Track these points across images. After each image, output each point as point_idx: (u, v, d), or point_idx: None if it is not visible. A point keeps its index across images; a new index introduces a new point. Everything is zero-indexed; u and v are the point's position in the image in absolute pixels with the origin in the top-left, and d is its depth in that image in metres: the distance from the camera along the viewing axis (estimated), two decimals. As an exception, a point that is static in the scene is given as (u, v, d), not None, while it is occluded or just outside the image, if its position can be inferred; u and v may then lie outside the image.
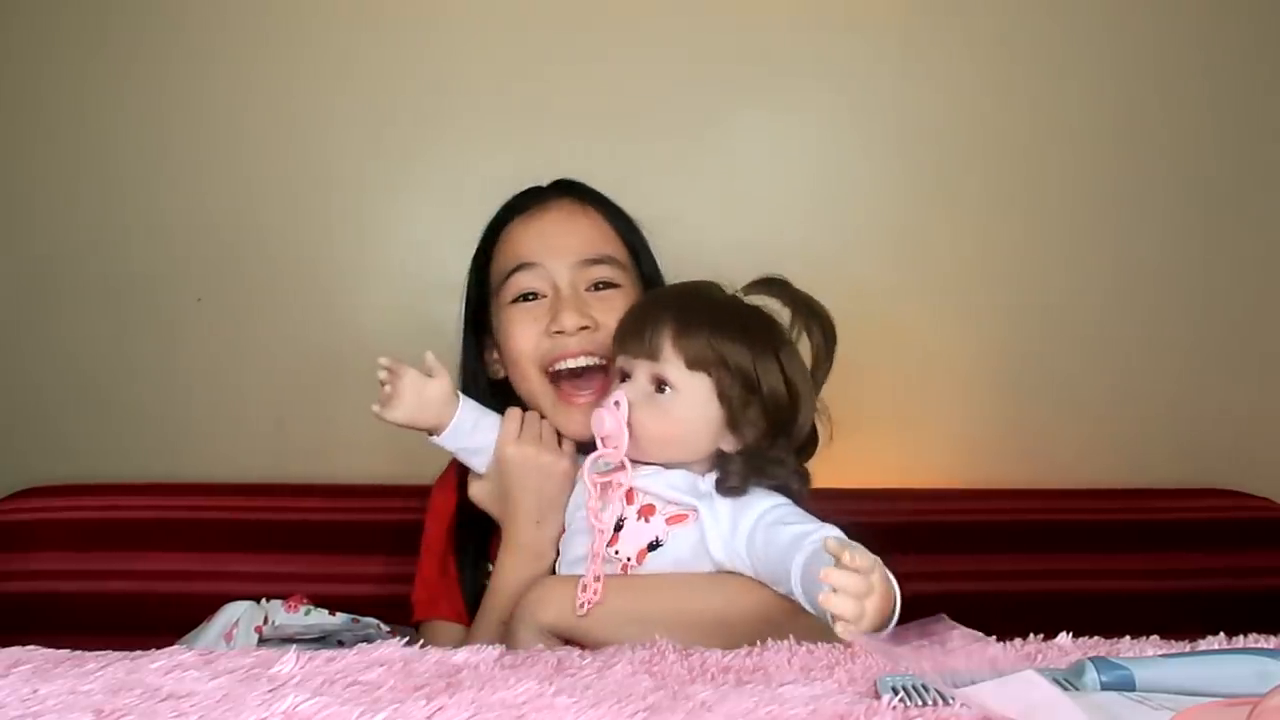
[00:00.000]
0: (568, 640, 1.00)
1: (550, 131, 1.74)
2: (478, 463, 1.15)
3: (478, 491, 1.17)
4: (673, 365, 1.03)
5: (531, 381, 1.17)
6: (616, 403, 1.02)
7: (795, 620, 0.92)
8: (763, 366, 1.02)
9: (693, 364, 1.02)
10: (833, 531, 0.95)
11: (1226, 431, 1.83)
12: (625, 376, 1.06)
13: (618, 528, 1.03)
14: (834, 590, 0.80)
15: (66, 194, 1.77)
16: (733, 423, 1.03)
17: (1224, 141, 1.82)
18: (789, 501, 1.03)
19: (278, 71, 1.78)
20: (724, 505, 1.02)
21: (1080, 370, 1.83)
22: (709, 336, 1.02)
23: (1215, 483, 1.75)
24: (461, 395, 1.13)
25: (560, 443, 1.15)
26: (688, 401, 1.03)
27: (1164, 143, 1.82)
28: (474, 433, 1.13)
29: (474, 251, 1.26)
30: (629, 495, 1.04)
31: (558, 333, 1.14)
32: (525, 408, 1.17)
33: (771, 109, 1.82)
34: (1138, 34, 1.81)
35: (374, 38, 1.77)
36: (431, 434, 1.13)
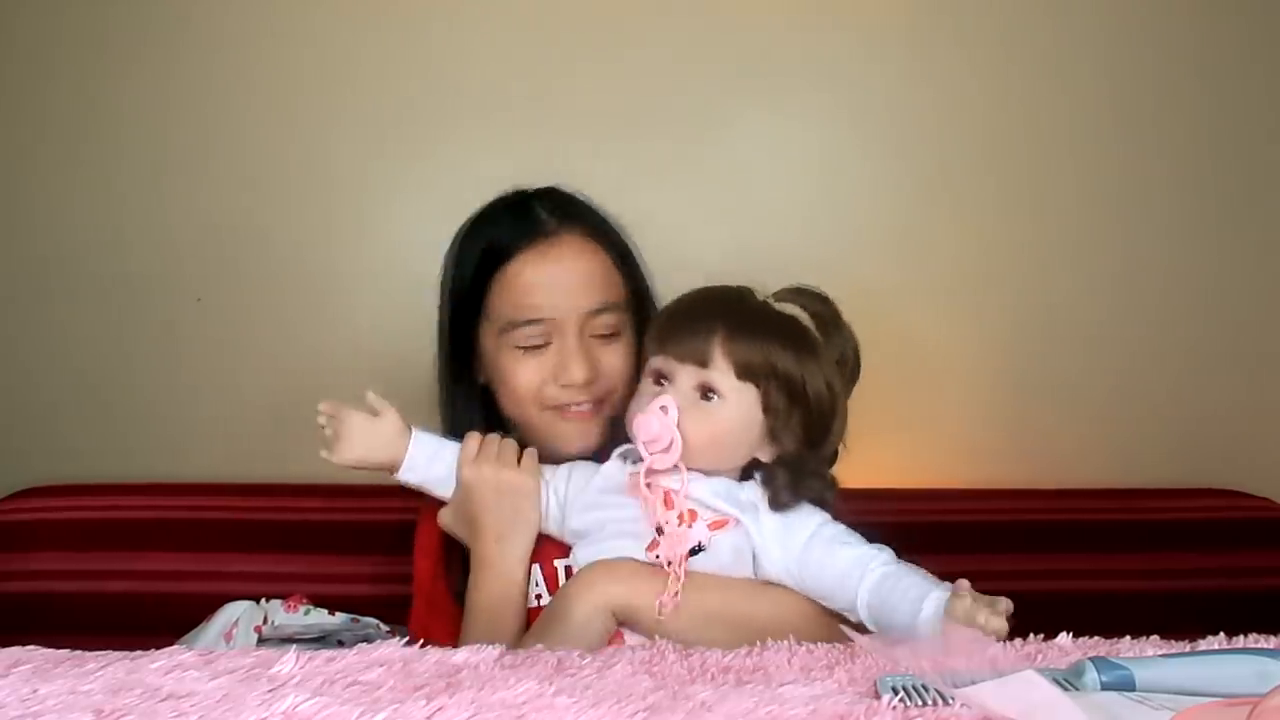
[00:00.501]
0: (622, 622, 1.00)
1: (550, 132, 1.74)
2: (444, 493, 1.14)
3: (444, 517, 1.15)
4: (721, 373, 1.02)
5: (528, 413, 1.18)
6: (664, 407, 1.00)
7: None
8: (809, 377, 1.02)
9: (742, 373, 1.01)
10: (885, 554, 0.99)
11: (1226, 431, 1.83)
12: (661, 378, 1.05)
13: (659, 532, 1.02)
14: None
15: (66, 194, 1.77)
16: (774, 433, 1.03)
17: (1225, 143, 1.82)
18: (830, 518, 1.04)
19: (278, 71, 1.77)
20: (770, 520, 1.02)
21: (1081, 370, 1.82)
22: (761, 346, 1.01)
23: (1215, 483, 1.75)
24: (414, 428, 1.12)
25: (520, 459, 1.13)
26: (734, 410, 1.02)
27: (1165, 143, 1.82)
28: (432, 463, 1.12)
29: (457, 254, 1.23)
30: (668, 500, 1.02)
31: (567, 385, 1.15)
32: (505, 424, 1.18)
33: (772, 110, 1.82)
34: (1140, 33, 1.81)
35: (375, 38, 1.77)
36: (391, 472, 1.12)
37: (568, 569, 1.13)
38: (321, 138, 1.77)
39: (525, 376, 1.16)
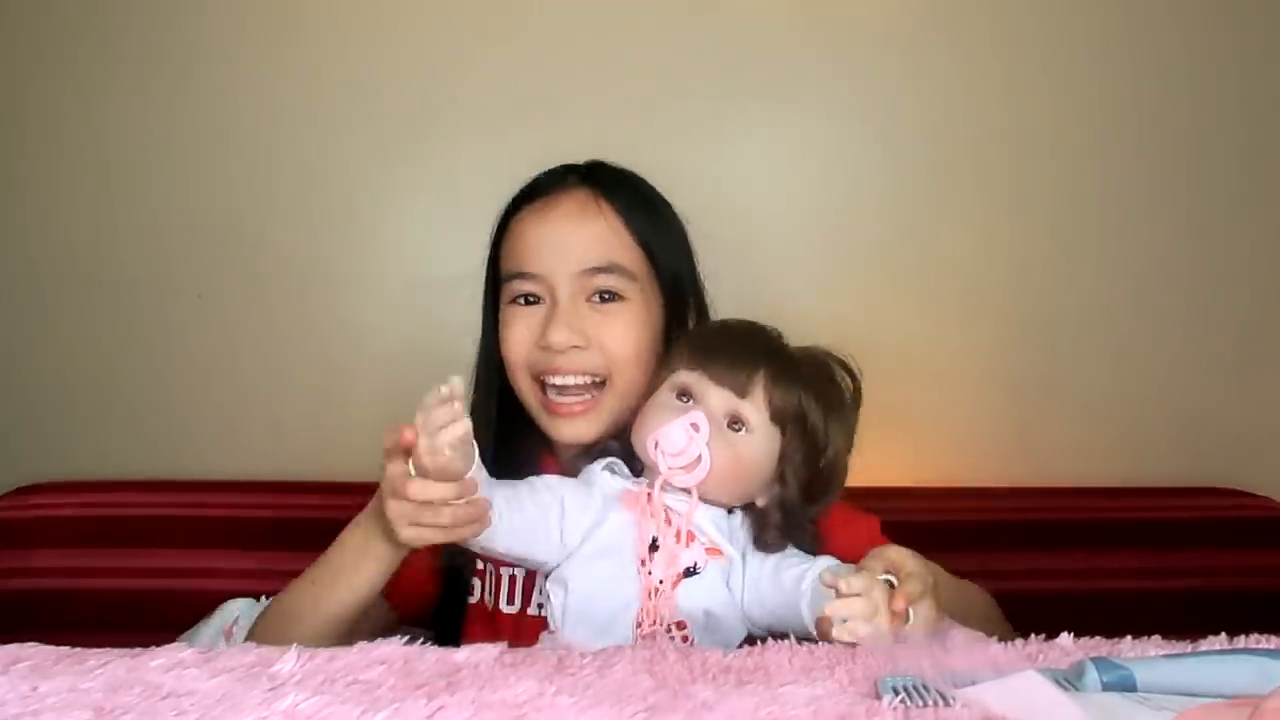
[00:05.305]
0: None
1: (550, 130, 1.73)
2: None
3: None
4: (757, 408, 1.00)
5: (520, 385, 1.14)
6: (694, 424, 0.98)
7: None
8: (831, 437, 1.02)
9: (776, 415, 1.00)
10: (825, 563, 0.96)
11: (1227, 430, 1.83)
12: (685, 395, 1.02)
13: (652, 548, 0.99)
14: (844, 620, 0.82)
15: (65, 193, 1.76)
16: (781, 479, 1.02)
17: (1227, 142, 1.82)
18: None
19: (277, 69, 1.77)
20: (752, 560, 1.01)
21: (1081, 369, 1.82)
22: (800, 394, 1.00)
23: (1216, 482, 1.75)
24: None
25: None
26: (759, 446, 1.01)
27: (1166, 144, 1.81)
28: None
29: (494, 230, 1.21)
30: (667, 518, 1.00)
31: (546, 347, 1.10)
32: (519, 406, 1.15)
33: (773, 109, 1.81)
34: (1141, 33, 1.81)
35: (373, 35, 1.77)
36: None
37: (511, 578, 1.13)
38: (320, 137, 1.77)
39: (515, 338, 1.12)
